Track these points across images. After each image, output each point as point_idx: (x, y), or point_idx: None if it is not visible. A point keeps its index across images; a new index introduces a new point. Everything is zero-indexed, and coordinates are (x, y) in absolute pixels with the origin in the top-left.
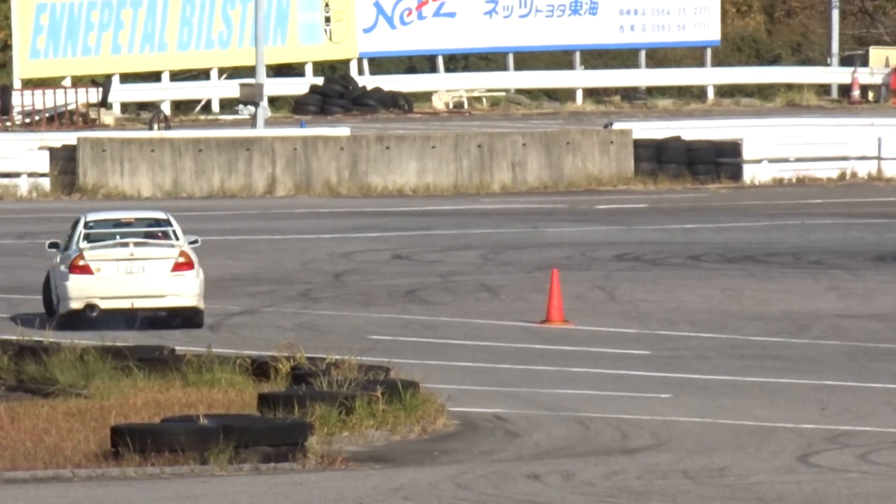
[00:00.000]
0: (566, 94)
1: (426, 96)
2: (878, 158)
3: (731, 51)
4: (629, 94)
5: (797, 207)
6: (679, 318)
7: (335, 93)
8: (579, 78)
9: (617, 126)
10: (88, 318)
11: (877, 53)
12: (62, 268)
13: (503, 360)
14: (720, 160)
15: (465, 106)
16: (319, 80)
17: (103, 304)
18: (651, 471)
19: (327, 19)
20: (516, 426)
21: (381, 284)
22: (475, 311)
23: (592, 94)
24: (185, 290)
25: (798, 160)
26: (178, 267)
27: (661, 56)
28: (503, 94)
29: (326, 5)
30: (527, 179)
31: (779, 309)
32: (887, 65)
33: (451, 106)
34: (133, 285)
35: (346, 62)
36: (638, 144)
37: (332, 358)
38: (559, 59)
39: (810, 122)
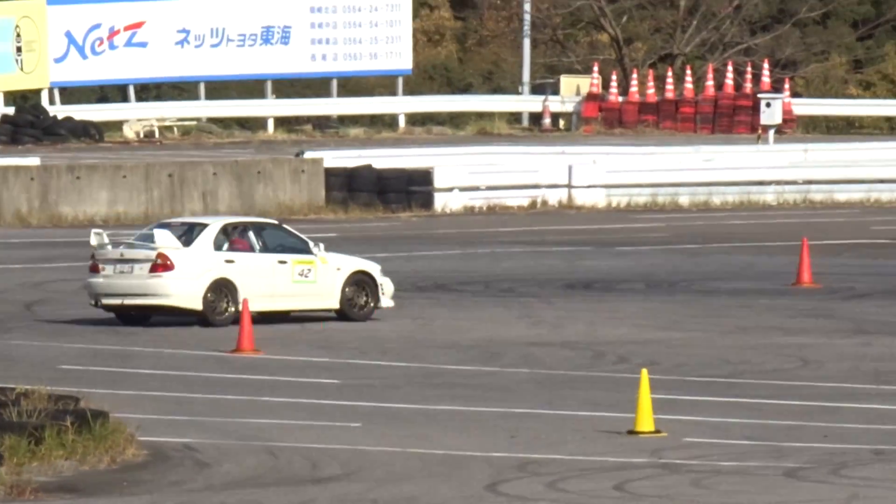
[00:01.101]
0: (258, 123)
1: (118, 125)
2: (569, 186)
3: (423, 79)
4: (321, 122)
5: (488, 236)
6: (370, 346)
7: (26, 122)
8: (271, 107)
9: (308, 155)
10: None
11: (568, 82)
12: None
13: (194, 389)
14: (411, 188)
15: (157, 135)
16: (11, 110)
17: (104, 301)
18: (341, 500)
19: (18, 49)
20: (206, 456)
21: (73, 314)
22: (166, 340)
23: (284, 122)
24: (165, 290)
25: (489, 188)
26: (155, 268)
27: (353, 85)
28: (194, 123)
29: (18, 35)
30: (218, 208)
31: (470, 337)
32: (578, 93)
33: (141, 135)
34: (123, 284)
35: (38, 92)
36: (329, 173)
37: (21, 388)
38: (251, 87)
39: (501, 150)
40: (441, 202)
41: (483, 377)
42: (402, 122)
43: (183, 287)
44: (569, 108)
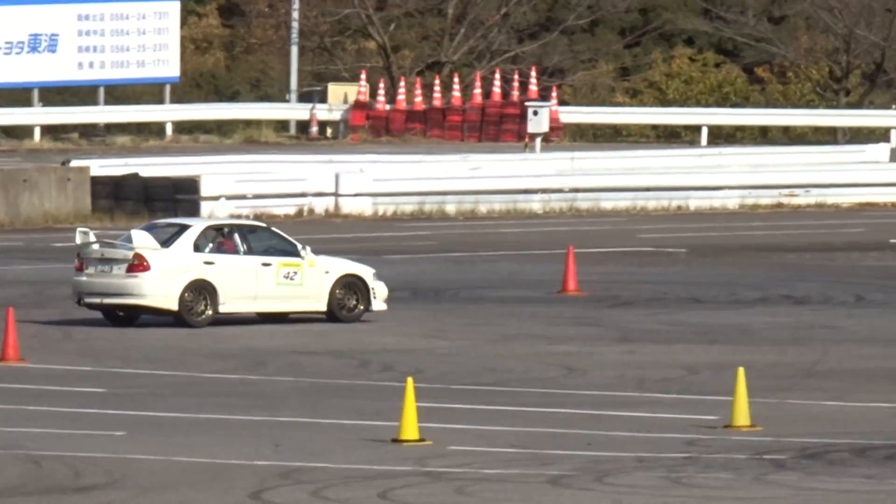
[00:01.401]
0: (25, 132)
1: None
2: (336, 195)
3: (190, 87)
4: (88, 131)
5: None
6: (135, 355)
7: None
8: (37, 115)
9: (75, 163)
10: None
11: (335, 90)
12: None
13: None
14: (178, 197)
15: None
16: None
17: (86, 299)
18: None
19: None
20: None
21: None
22: None
23: (51, 130)
24: (140, 290)
25: (256, 196)
26: (131, 268)
27: (120, 93)
28: None
29: None
30: None
31: (236, 346)
32: (346, 101)
33: None
34: (103, 283)
35: None
36: (96, 182)
37: None
38: (17, 96)
39: (269, 158)
40: (207, 210)
41: (248, 386)
42: (169, 130)
43: (159, 287)
44: (336, 116)
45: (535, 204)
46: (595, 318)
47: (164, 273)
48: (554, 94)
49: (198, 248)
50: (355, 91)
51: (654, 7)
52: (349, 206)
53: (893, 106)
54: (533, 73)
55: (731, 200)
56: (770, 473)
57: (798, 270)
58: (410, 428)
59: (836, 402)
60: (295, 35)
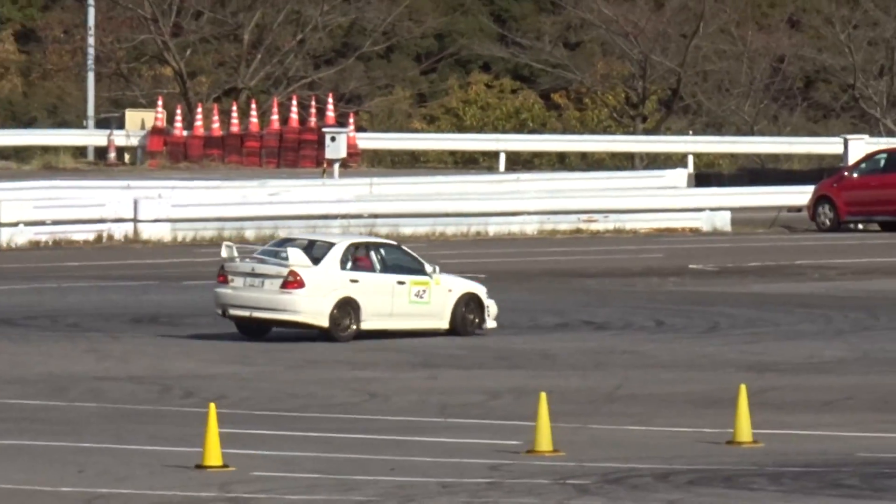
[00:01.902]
0: None
1: None
2: (135, 221)
3: None
4: None
5: (54, 270)
6: None
7: None
8: None
9: None
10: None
11: (133, 116)
12: None
13: None
14: None
15: None
16: None
17: (231, 311)
18: None
19: None
20: None
21: None
22: None
23: None
24: (294, 306)
25: (56, 223)
26: (287, 285)
27: None
28: None
29: None
30: None
31: (36, 372)
32: (143, 127)
33: None
34: (253, 297)
35: None
36: None
37: None
38: None
39: (67, 184)
40: (7, 237)
41: (50, 412)
42: None
43: (312, 304)
44: (134, 142)
45: (335, 230)
46: (397, 344)
47: (316, 290)
48: (351, 120)
49: (343, 265)
50: (153, 117)
51: (450, 33)
52: (148, 232)
53: (690, 131)
54: (330, 99)
55: (530, 226)
56: (573, 498)
57: (598, 296)
58: (214, 454)
59: (639, 426)
60: (91, 61)
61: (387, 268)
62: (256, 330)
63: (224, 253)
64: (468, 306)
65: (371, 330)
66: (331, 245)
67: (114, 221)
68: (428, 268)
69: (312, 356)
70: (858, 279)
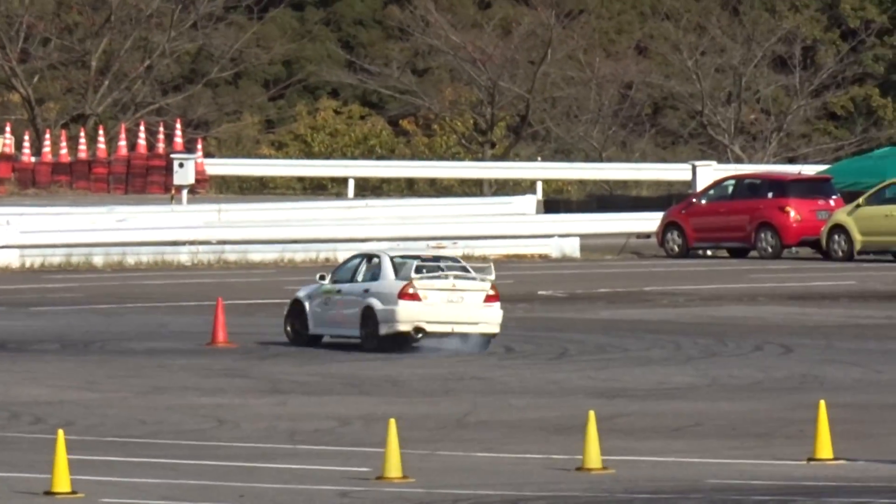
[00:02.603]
0: None
1: None
2: None
3: None
4: None
5: None
6: None
7: None
8: None
9: None
10: (409, 339)
11: None
12: (377, 295)
13: None
14: None
15: None
16: None
17: (428, 328)
18: None
19: None
20: None
21: None
22: None
23: None
24: (494, 319)
25: None
26: (489, 298)
27: None
28: None
29: None
30: None
31: None
32: None
33: None
34: (454, 312)
35: None
36: None
37: None
38: None
39: None
40: None
41: None
42: None
43: (500, 316)
44: None
45: (183, 256)
46: (244, 370)
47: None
48: (199, 146)
49: None
50: (0, 143)
51: (298, 59)
52: None
53: (539, 158)
54: (178, 125)
55: None
56: None
57: None
58: (62, 480)
59: (489, 453)
60: None
61: None
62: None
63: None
64: None
65: None
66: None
67: None
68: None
69: (160, 382)
70: (707, 305)
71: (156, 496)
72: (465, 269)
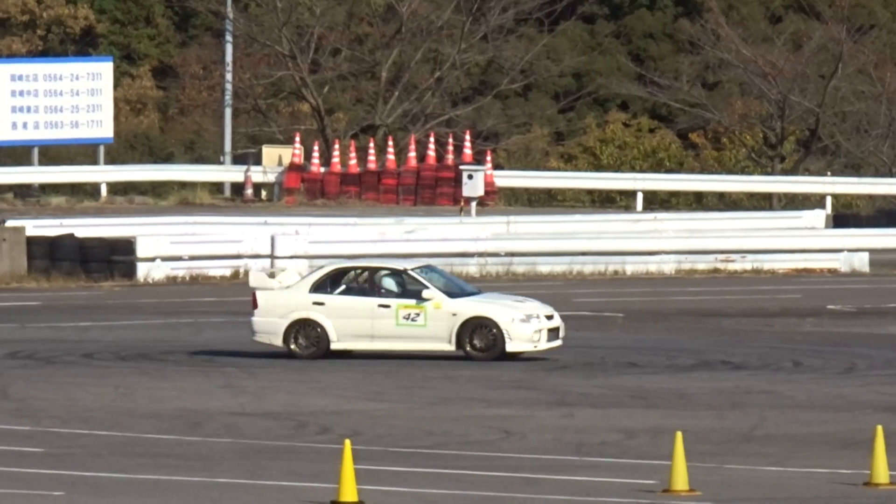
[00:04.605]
0: None
1: None
2: (272, 257)
3: (124, 148)
4: (22, 191)
5: (190, 305)
6: (72, 415)
7: None
8: None
9: (10, 224)
10: None
11: (270, 152)
12: None
13: None
14: (114, 258)
15: None
16: None
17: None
18: None
19: None
20: None
21: None
22: None
23: None
24: None
25: (192, 258)
26: None
27: (54, 153)
28: None
29: None
30: None
31: (173, 407)
32: (280, 163)
33: None
34: None
35: None
36: (31, 242)
37: None
38: None
39: (204, 220)
40: (144, 272)
41: (185, 447)
42: (103, 191)
43: None
44: (271, 178)
45: (472, 267)
46: (532, 382)
47: None
48: (488, 157)
49: None
50: (290, 153)
51: (588, 72)
52: None
53: (828, 172)
54: (467, 137)
55: (668, 265)
56: None
57: (735, 335)
58: (349, 490)
59: (774, 467)
60: (228, 97)
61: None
62: None
63: None
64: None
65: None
66: None
67: (250, 257)
68: (427, 293)
69: (446, 393)
70: None
71: None
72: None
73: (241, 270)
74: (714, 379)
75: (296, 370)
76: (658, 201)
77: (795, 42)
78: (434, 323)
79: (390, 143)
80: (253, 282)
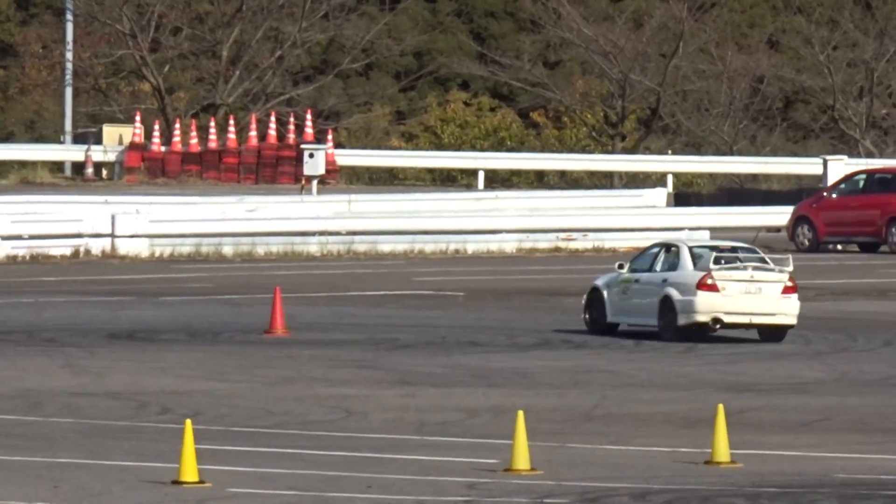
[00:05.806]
0: None
1: None
2: (113, 236)
3: None
4: None
5: (31, 285)
6: None
7: None
8: None
9: None
10: (706, 330)
11: (110, 131)
12: (675, 285)
13: None
14: None
15: None
16: None
17: (726, 319)
18: None
19: None
20: None
21: None
22: None
23: None
24: (792, 311)
25: (33, 237)
26: (787, 290)
27: None
28: None
29: None
30: None
31: (13, 387)
32: (121, 142)
33: None
34: (752, 303)
35: None
36: None
37: None
38: None
39: (44, 199)
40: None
41: (25, 426)
42: None
43: (798, 307)
44: (112, 157)
45: (313, 246)
46: (373, 361)
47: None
48: (329, 136)
49: None
50: (130, 132)
51: (429, 51)
52: (126, 248)
53: (669, 151)
54: (308, 116)
55: (509, 244)
56: None
57: (576, 314)
58: (190, 470)
59: (616, 446)
60: (69, 76)
61: None
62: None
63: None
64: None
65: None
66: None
67: (91, 236)
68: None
69: (288, 373)
70: (837, 300)
71: (283, 486)
72: (763, 260)
73: (82, 249)
74: (555, 358)
75: (137, 350)
76: (499, 180)
77: (636, 21)
78: None
79: (231, 122)
80: None
